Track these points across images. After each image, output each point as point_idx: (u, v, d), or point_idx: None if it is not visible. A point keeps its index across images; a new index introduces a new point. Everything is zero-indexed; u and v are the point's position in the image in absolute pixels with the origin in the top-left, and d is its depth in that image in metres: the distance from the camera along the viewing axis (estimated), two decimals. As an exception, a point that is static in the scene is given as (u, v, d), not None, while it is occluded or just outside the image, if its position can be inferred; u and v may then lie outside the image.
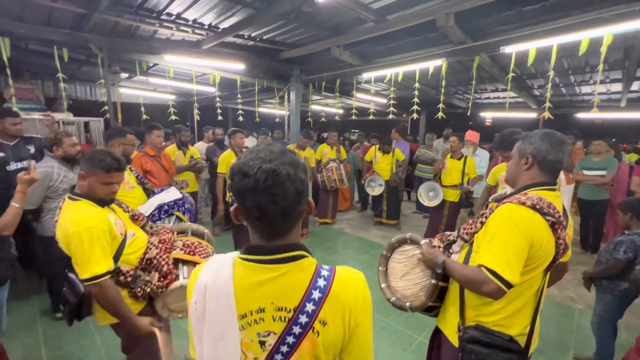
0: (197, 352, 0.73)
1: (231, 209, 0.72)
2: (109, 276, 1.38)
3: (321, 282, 0.71)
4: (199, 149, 4.84)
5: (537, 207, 1.14)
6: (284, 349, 0.69)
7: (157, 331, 1.33)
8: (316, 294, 0.69)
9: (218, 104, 5.56)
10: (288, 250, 0.71)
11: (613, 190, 4.22)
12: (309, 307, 0.69)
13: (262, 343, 0.70)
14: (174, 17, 3.86)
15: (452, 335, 1.33)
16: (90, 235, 1.34)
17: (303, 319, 0.68)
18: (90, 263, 1.34)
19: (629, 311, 2.18)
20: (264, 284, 0.69)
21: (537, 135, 1.28)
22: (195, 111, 5.07)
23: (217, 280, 0.70)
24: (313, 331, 0.69)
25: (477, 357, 1.17)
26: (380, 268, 1.59)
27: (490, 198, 1.56)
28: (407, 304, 1.40)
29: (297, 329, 0.69)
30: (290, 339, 0.69)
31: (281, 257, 0.70)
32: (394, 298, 1.46)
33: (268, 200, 0.64)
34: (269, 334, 0.70)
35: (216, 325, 0.68)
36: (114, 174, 1.49)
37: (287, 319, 0.69)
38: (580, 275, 2.31)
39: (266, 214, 0.66)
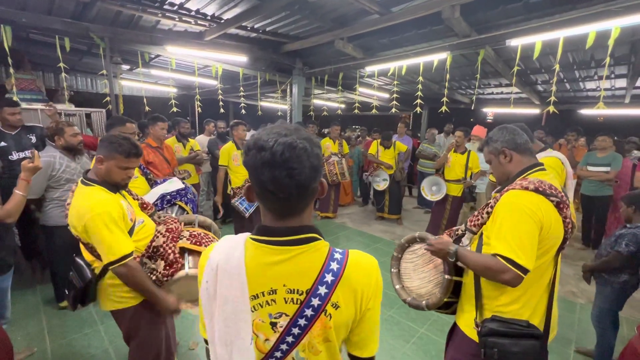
0: (208, 333, 0.72)
1: (244, 188, 0.71)
2: (133, 256, 1.41)
3: (334, 266, 0.70)
4: (200, 142, 4.81)
5: (540, 189, 1.15)
6: (296, 331, 0.69)
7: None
8: (329, 277, 0.68)
9: (220, 97, 5.53)
10: (300, 232, 0.70)
11: (617, 187, 4.21)
12: (322, 290, 0.68)
13: (273, 324, 0.70)
14: (176, 7, 3.82)
15: (470, 331, 1.30)
16: (109, 218, 1.37)
17: (315, 301, 0.68)
18: (116, 245, 1.36)
19: (632, 306, 2.18)
20: (276, 265, 0.69)
21: (495, 134, 1.39)
22: (197, 104, 5.05)
23: (229, 260, 0.68)
24: (325, 314, 0.68)
25: (500, 348, 1.14)
26: (392, 270, 1.58)
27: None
28: (423, 302, 1.38)
29: (309, 312, 0.68)
30: (302, 322, 0.68)
31: (293, 239, 0.69)
32: (409, 298, 1.45)
33: (284, 173, 0.63)
34: (280, 316, 0.69)
35: (228, 305, 0.67)
36: (132, 159, 1.52)
37: (299, 302, 0.68)
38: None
39: (282, 187, 0.64)
